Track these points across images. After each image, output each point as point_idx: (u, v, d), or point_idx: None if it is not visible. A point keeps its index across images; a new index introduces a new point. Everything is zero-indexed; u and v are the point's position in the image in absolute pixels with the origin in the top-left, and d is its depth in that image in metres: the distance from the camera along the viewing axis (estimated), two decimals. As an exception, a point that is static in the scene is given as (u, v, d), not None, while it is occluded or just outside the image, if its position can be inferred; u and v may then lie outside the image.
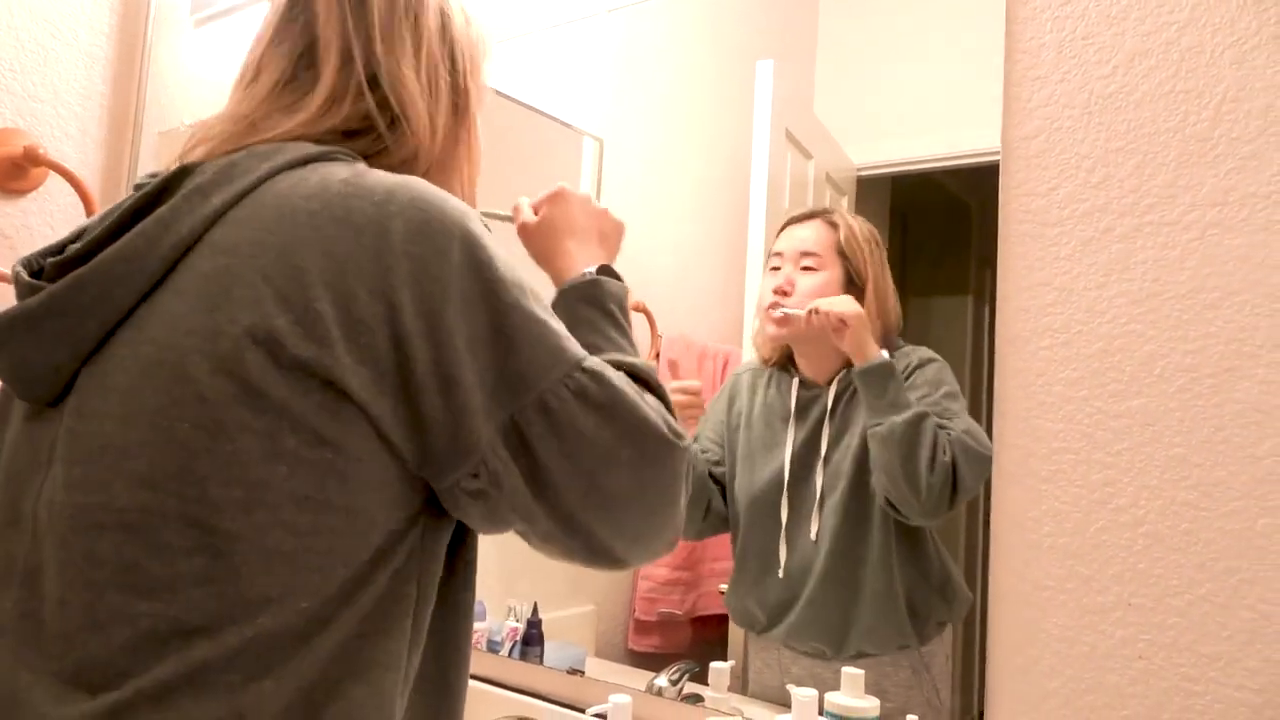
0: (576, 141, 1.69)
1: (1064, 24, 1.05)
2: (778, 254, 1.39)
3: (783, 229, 1.41)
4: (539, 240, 0.92)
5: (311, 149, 0.70)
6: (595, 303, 0.82)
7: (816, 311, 1.29)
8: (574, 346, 0.68)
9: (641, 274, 1.63)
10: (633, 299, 1.60)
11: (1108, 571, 0.99)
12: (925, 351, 1.28)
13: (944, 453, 1.18)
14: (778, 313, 1.35)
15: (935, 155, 1.31)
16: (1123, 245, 1.00)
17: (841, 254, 1.33)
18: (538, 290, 0.69)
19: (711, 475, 1.43)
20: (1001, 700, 1.04)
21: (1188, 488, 0.95)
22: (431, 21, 0.78)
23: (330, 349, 0.61)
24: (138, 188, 0.70)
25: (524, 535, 0.71)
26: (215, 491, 0.61)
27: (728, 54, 1.59)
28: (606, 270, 0.87)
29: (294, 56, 0.75)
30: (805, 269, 1.35)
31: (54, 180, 1.31)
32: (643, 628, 1.52)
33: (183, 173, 0.70)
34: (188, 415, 0.61)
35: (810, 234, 1.37)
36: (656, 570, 1.53)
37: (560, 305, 0.84)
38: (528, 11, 1.69)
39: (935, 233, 1.36)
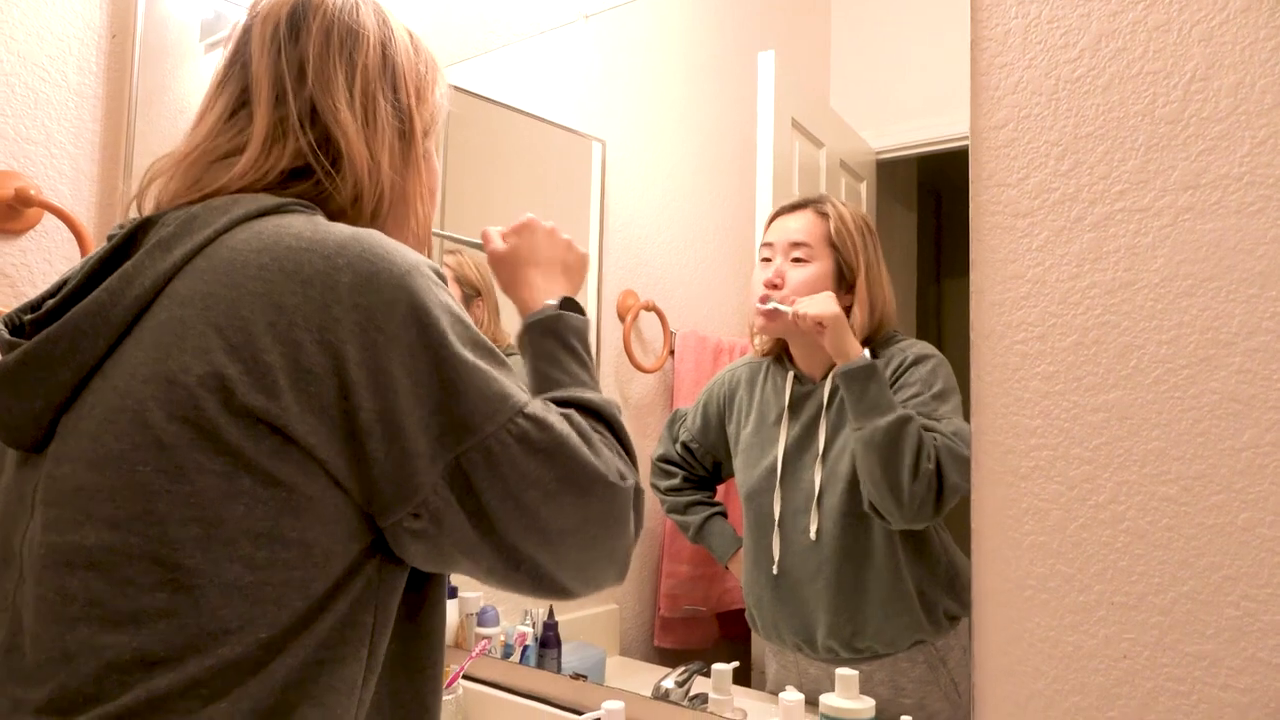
0: (585, 147, 1.70)
1: (1028, 7, 1.02)
2: (768, 245, 1.36)
3: (773, 219, 1.38)
4: (506, 270, 0.95)
5: (268, 201, 0.72)
6: (557, 335, 0.85)
7: (798, 315, 1.28)
8: (517, 392, 0.71)
9: (651, 271, 1.64)
10: (643, 297, 1.64)
11: (1089, 570, 0.96)
12: (922, 347, 1.24)
13: (928, 459, 1.15)
14: (767, 305, 1.32)
15: (960, 133, 1.26)
16: (1094, 234, 0.97)
17: (832, 245, 1.31)
18: (483, 338, 0.72)
19: (690, 449, 1.45)
20: (988, 701, 1.02)
21: (1167, 482, 0.92)
22: (370, 55, 0.80)
23: (279, 399, 0.64)
24: (110, 239, 0.74)
25: (471, 572, 0.73)
26: (175, 530, 0.64)
27: (732, 47, 1.57)
28: (569, 303, 0.89)
29: (232, 98, 0.79)
30: (795, 260, 1.32)
31: (50, 218, 1.37)
32: (668, 625, 1.53)
33: (147, 224, 0.73)
34: (148, 459, 0.65)
35: (800, 224, 1.34)
36: (679, 567, 1.53)
37: (524, 337, 0.87)
38: (513, 19, 1.70)
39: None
